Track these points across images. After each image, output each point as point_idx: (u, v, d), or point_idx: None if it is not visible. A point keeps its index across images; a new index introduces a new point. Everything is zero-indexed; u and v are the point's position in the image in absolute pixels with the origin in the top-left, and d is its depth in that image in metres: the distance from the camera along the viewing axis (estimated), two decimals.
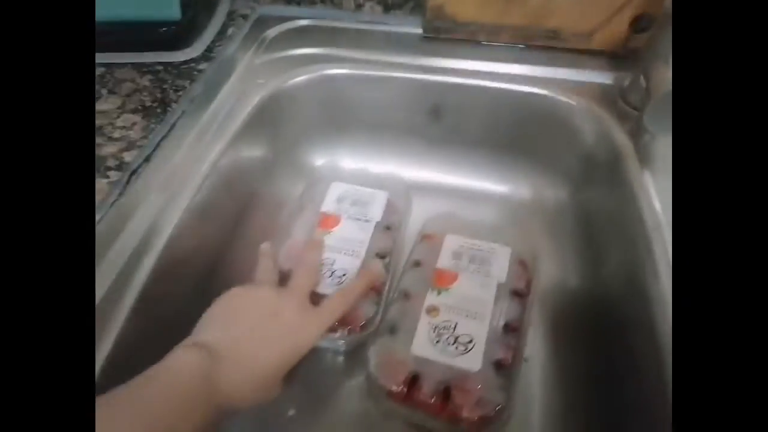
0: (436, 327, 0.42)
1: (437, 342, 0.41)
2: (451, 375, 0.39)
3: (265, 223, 0.54)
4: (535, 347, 0.47)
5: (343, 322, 0.41)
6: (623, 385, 0.41)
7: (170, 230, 0.40)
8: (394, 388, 0.39)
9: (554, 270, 0.51)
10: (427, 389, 0.38)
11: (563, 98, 0.53)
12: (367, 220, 0.50)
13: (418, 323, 0.42)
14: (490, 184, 0.60)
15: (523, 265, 0.47)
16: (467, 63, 0.56)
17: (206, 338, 0.34)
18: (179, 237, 0.41)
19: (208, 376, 0.31)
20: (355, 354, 0.46)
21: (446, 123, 0.58)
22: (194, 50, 0.54)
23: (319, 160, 0.62)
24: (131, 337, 0.35)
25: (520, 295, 0.45)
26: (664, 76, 0.44)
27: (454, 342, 0.41)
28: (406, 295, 0.45)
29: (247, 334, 0.35)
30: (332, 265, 0.46)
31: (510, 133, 0.57)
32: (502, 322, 0.43)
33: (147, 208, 0.41)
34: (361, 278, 0.43)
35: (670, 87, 0.43)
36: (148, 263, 0.38)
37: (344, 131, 0.61)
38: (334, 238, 0.49)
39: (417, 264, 0.48)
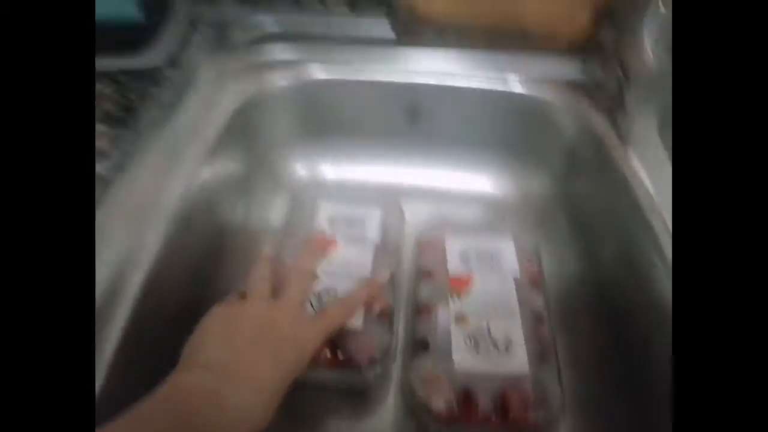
0: (470, 335, 0.38)
1: (477, 351, 0.37)
2: (502, 382, 0.35)
3: (248, 247, 0.47)
4: None
5: (357, 355, 0.37)
6: (636, 364, 0.40)
7: (155, 249, 0.35)
8: (448, 409, 0.34)
9: (552, 262, 0.50)
10: (483, 404, 0.34)
11: (539, 92, 0.52)
12: (364, 242, 0.44)
13: (451, 336, 0.38)
14: (475, 183, 0.57)
15: (528, 256, 0.45)
16: (440, 63, 0.53)
17: (205, 358, 0.30)
18: (163, 258, 0.36)
19: (217, 400, 0.28)
20: (375, 391, 0.40)
21: (424, 123, 0.55)
22: (157, 55, 0.46)
23: (300, 170, 0.56)
24: (120, 367, 0.31)
25: (535, 284, 0.43)
26: (640, 58, 0.44)
27: (494, 347, 0.37)
28: (426, 309, 0.41)
29: (248, 349, 0.31)
30: (335, 294, 0.40)
31: (490, 130, 0.55)
32: (531, 315, 0.40)
33: (126, 225, 0.35)
34: (364, 287, 0.39)
35: (650, 68, 0.43)
36: (136, 281, 0.33)
37: (323, 138, 0.56)
38: (332, 263, 0.42)
39: (426, 274, 0.44)
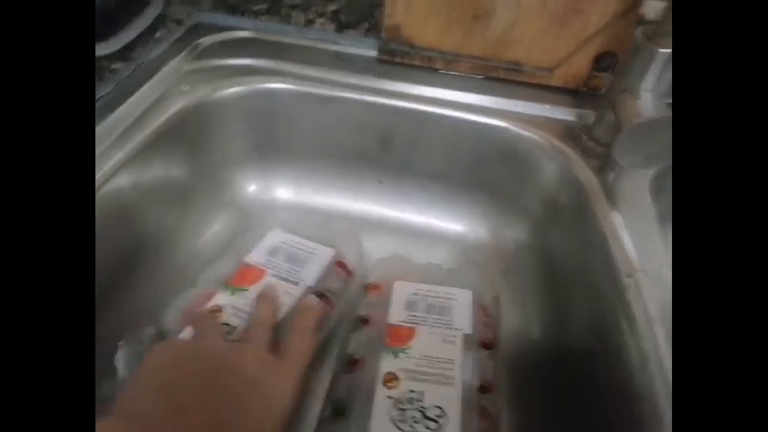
0: (397, 401, 0.31)
1: (401, 422, 0.30)
2: None
3: (172, 268, 0.42)
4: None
5: None
6: None
7: None
8: None
9: (514, 318, 0.43)
10: None
11: (525, 132, 0.46)
12: (295, 282, 0.37)
13: (374, 398, 0.31)
14: (444, 222, 0.51)
15: (485, 312, 0.39)
16: (423, 89, 0.48)
17: (139, 412, 0.23)
18: None
19: None
20: None
21: (398, 153, 0.50)
22: (109, 46, 0.42)
23: (251, 189, 0.51)
24: None
25: (488, 346, 0.36)
26: (633, 107, 0.39)
27: (424, 418, 0.30)
28: (353, 363, 0.34)
29: (198, 402, 0.23)
30: (232, 335, 0.32)
31: (467, 167, 0.49)
32: (476, 383, 0.33)
33: None
34: (305, 313, 0.33)
35: (640, 119, 0.37)
36: None
37: (281, 156, 0.50)
38: (246, 297, 0.35)
39: (364, 321, 0.37)
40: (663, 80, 0.38)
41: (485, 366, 0.35)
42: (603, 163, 0.43)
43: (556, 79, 0.49)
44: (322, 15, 0.52)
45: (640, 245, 0.36)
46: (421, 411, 0.31)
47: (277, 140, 0.49)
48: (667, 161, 0.37)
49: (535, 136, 0.46)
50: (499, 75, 0.50)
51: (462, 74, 0.51)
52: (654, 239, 0.36)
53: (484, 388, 0.33)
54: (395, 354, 0.34)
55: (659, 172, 0.42)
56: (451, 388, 0.32)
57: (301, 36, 0.52)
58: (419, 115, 0.47)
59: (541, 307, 0.43)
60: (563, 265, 0.42)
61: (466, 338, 0.36)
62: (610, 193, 0.40)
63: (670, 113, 0.37)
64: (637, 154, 0.38)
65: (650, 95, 0.39)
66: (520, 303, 0.44)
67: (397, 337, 0.35)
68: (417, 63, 0.51)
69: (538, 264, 0.45)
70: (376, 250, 0.45)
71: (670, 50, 0.37)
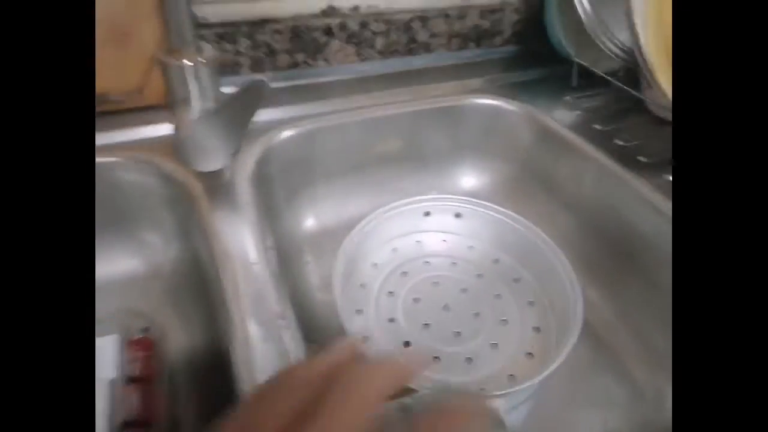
0: None
1: None
2: None
3: None
4: None
5: None
6: None
7: None
8: None
9: (183, 337, 0.45)
10: None
11: (120, 160, 0.46)
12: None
13: None
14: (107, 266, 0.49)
15: (140, 343, 0.40)
16: None
17: None
18: None
19: None
20: None
21: None
22: None
23: None
24: None
25: (141, 380, 0.38)
26: (185, 115, 0.42)
27: None
28: None
29: None
30: None
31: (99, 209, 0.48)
32: (118, 422, 0.35)
33: None
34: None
35: (191, 124, 0.41)
36: None
37: None
38: None
39: None
40: (204, 86, 0.42)
41: (133, 402, 0.36)
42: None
43: (148, 99, 0.51)
44: None
45: (236, 235, 0.40)
46: None
47: None
48: (230, 154, 0.42)
49: (130, 161, 0.46)
50: None
51: None
52: (245, 229, 0.41)
53: (130, 424, 0.35)
54: None
55: (257, 167, 0.47)
56: None
57: None
58: None
59: (204, 314, 0.46)
60: (204, 269, 0.45)
61: (112, 383, 0.36)
62: (213, 194, 0.43)
63: (214, 108, 0.41)
64: (202, 156, 0.42)
65: (199, 102, 0.42)
66: (187, 324, 0.46)
67: None
68: None
69: (189, 275, 0.48)
70: None
71: (192, 64, 0.40)
